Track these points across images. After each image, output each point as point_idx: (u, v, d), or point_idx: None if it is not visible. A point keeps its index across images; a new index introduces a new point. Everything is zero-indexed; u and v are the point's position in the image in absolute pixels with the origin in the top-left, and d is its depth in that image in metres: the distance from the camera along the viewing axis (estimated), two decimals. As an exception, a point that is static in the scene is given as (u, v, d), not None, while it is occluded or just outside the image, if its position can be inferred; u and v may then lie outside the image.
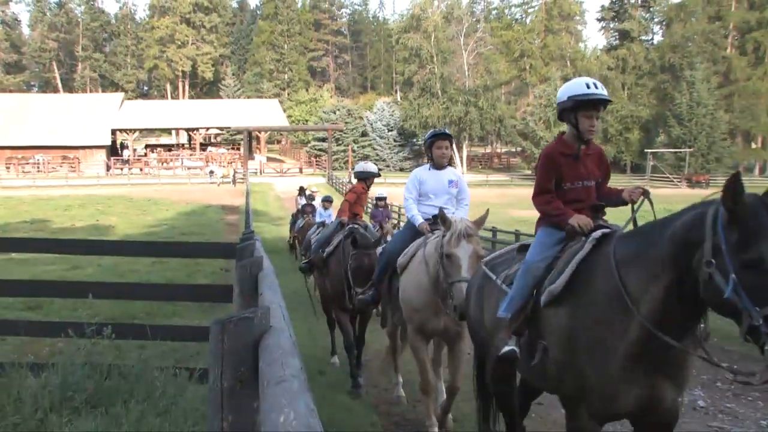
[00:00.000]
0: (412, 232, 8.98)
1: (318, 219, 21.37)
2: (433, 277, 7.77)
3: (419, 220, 8.89)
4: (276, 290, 4.60)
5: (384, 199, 22.74)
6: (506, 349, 5.78)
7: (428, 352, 8.56)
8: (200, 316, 10.10)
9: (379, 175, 13.70)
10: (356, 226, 11.60)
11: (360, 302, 9.79)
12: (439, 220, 7.71)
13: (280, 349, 2.48)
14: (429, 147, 9.39)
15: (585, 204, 6.14)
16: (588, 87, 6.00)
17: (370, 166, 13.17)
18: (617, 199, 6.28)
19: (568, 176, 6.18)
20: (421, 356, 8.29)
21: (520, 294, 5.82)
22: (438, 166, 9.26)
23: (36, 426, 6.30)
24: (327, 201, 22.38)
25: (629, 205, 6.07)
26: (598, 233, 5.51)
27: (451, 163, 9.60)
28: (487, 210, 8.40)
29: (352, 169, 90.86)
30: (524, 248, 6.42)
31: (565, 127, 6.34)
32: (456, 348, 8.33)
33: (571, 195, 6.16)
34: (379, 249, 11.06)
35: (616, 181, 73.36)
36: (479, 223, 7.89)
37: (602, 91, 6.06)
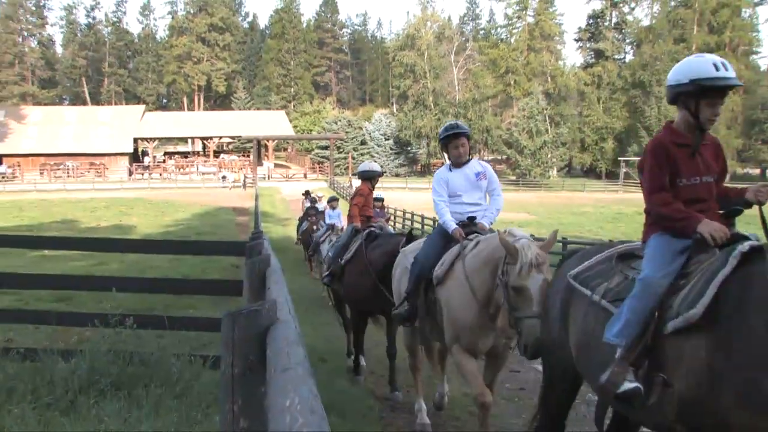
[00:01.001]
0: (444, 238, 7.56)
1: (327, 221, 20.57)
2: (483, 299, 6.57)
3: (452, 225, 7.46)
4: (282, 285, 4.59)
5: (381, 200, 21.17)
6: (629, 386, 4.41)
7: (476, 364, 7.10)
8: (213, 309, 10.08)
9: (382, 174, 12.47)
10: (372, 228, 10.56)
11: (395, 318, 8.14)
12: (503, 245, 6.10)
13: (285, 339, 2.48)
14: (444, 146, 8.16)
15: (708, 204, 4.87)
16: (717, 69, 4.72)
17: (374, 166, 11.93)
18: (737, 199, 4.94)
19: (685, 171, 4.89)
20: (471, 368, 6.90)
21: (639, 317, 4.49)
22: (458, 163, 7.96)
23: (66, 406, 6.33)
24: (333, 200, 21.60)
25: (752, 209, 4.71)
26: (745, 246, 4.18)
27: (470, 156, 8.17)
28: (555, 231, 6.86)
29: (353, 174, 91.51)
30: (625, 257, 5.20)
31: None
32: (497, 364, 7.25)
33: (689, 193, 4.85)
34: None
35: (592, 187, 72.92)
36: (548, 246, 6.34)
37: (732, 73, 4.76)
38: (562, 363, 5.47)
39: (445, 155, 8.36)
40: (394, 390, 9.28)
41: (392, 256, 8.95)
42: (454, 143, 7.96)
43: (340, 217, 20.24)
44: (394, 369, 9.45)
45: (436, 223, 9.02)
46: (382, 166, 78.10)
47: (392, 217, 33.77)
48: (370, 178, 11.64)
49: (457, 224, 7.58)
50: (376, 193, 23.27)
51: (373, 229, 10.55)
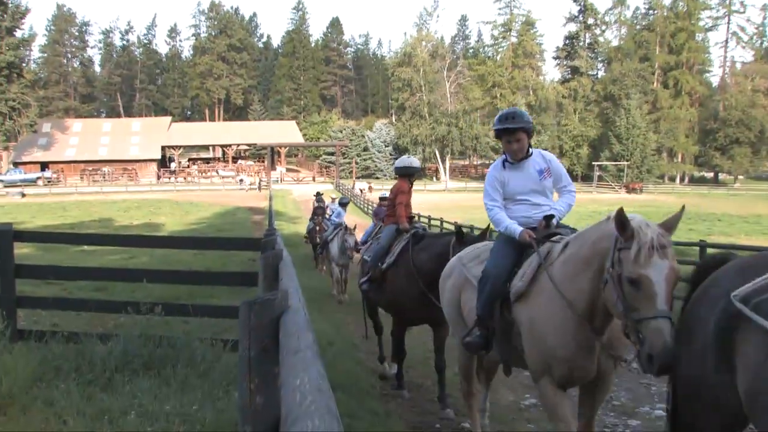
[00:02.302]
0: (515, 245, 5.59)
1: (336, 219, 19.16)
2: (584, 310, 4.65)
3: (517, 227, 5.56)
4: (293, 277, 4.59)
5: (386, 199, 19.63)
6: None
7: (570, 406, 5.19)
8: (232, 298, 10.07)
9: (420, 170, 10.30)
10: (417, 228, 8.80)
11: (467, 347, 5.82)
12: (614, 224, 4.22)
13: (296, 325, 2.48)
14: (497, 136, 5.94)
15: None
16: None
17: (413, 161, 9.86)
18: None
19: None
20: (564, 411, 5.02)
21: None
22: (514, 160, 5.80)
23: (105, 383, 6.41)
24: (344, 204, 20.03)
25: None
26: None
27: (528, 150, 5.85)
28: (682, 207, 4.72)
29: (357, 177, 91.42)
30: None
31: None
32: (598, 394, 5.18)
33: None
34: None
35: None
36: (671, 226, 4.39)
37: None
38: (713, 403, 3.84)
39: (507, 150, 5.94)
40: (445, 407, 7.56)
41: (441, 260, 7.17)
42: (507, 138, 5.81)
43: (341, 216, 19.22)
44: (444, 384, 7.67)
45: (486, 229, 7.72)
46: (382, 170, 77.06)
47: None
48: (408, 174, 9.66)
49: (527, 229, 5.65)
50: (382, 192, 21.46)
51: (417, 229, 8.78)
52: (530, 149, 5.82)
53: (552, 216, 5.72)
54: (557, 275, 4.90)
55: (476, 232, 27.96)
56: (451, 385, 7.83)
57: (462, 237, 7.53)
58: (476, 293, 5.68)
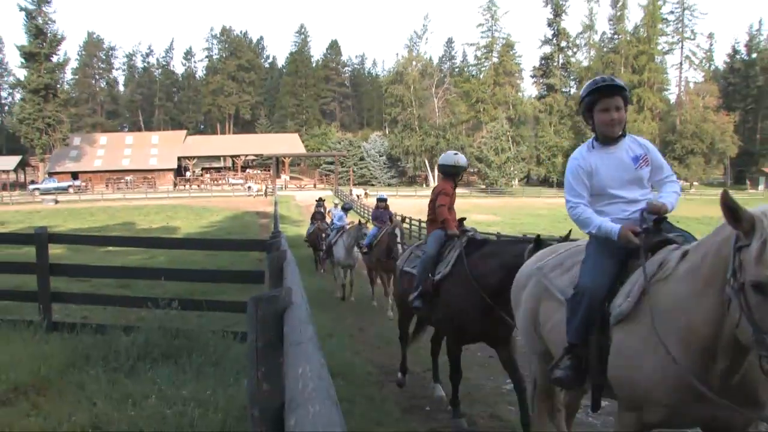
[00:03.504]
0: (614, 251, 3.99)
1: (338, 223, 17.67)
2: (699, 349, 3.18)
3: (614, 226, 3.97)
4: (296, 275, 4.61)
5: (385, 200, 17.30)
6: None
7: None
8: (241, 294, 10.06)
9: (467, 169, 8.15)
10: (468, 232, 7.11)
11: (558, 383, 4.26)
12: (724, 213, 2.88)
13: (298, 319, 2.50)
14: (588, 109, 4.24)
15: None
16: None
17: (460, 158, 7.74)
18: None
19: None
20: None
21: None
22: (607, 139, 4.21)
23: (128, 370, 6.46)
24: (346, 209, 18.93)
25: None
26: None
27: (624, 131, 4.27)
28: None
29: (354, 184, 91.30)
30: None
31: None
32: None
33: None
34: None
35: (546, 194, 72.51)
36: None
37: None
38: None
39: (590, 123, 4.34)
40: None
41: (512, 271, 5.41)
42: (605, 104, 4.11)
43: (342, 220, 17.85)
44: (526, 405, 5.74)
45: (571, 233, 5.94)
46: (377, 177, 75.91)
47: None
48: (454, 174, 7.72)
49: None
50: (381, 193, 19.66)
51: (470, 232, 7.10)
52: (623, 132, 4.26)
53: (661, 219, 4.01)
54: (667, 296, 3.40)
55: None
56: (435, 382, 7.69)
57: (541, 246, 5.66)
58: (560, 309, 4.24)
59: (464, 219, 7.49)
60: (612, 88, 4.09)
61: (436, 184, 8.05)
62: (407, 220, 33.11)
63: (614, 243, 3.97)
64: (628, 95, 4.23)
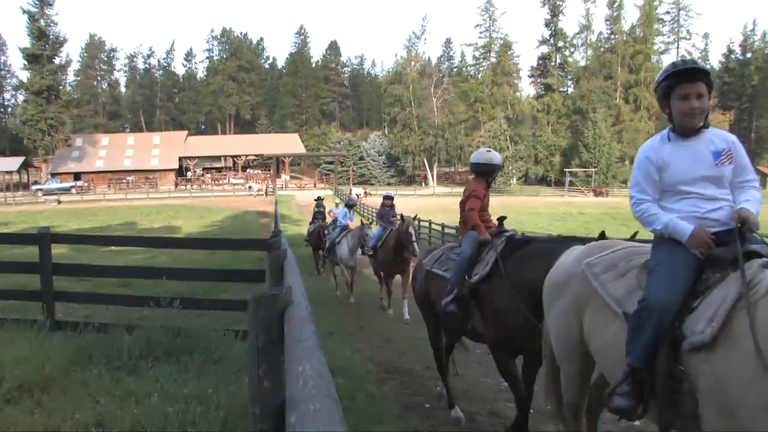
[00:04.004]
0: (687, 259, 3.42)
1: (342, 221, 16.74)
2: None
3: (686, 226, 3.47)
4: (296, 274, 4.61)
5: (391, 198, 16.22)
6: None
7: None
8: (242, 293, 10.06)
9: (501, 168, 7.27)
10: (509, 232, 6.31)
11: (616, 411, 3.51)
12: None
13: (299, 317, 2.50)
14: (664, 95, 3.65)
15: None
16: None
17: (494, 156, 6.97)
18: None
19: None
20: None
21: None
22: (686, 130, 3.64)
23: (131, 368, 6.47)
24: (350, 206, 17.48)
25: None
26: None
27: (697, 121, 3.62)
28: None
29: (354, 183, 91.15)
30: None
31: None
32: None
33: None
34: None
35: (544, 192, 72.57)
36: None
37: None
38: None
39: (667, 113, 3.73)
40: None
41: None
42: (684, 89, 3.55)
43: (347, 217, 16.85)
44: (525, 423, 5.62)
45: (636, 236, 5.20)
46: (376, 176, 75.22)
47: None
48: (487, 173, 7.00)
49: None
50: (387, 191, 18.37)
51: (508, 232, 6.30)
52: (705, 123, 3.67)
53: (746, 226, 3.35)
54: (764, 319, 2.80)
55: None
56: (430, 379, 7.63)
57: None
58: (613, 322, 3.63)
59: (504, 218, 6.59)
60: (693, 72, 3.53)
61: (468, 183, 7.14)
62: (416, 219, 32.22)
63: (683, 253, 3.39)
64: (712, 81, 3.64)
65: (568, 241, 5.41)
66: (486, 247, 6.21)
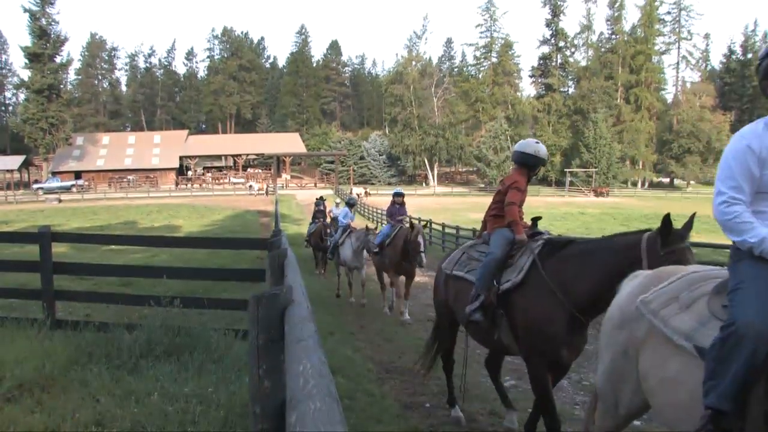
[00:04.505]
0: None
1: (343, 220, 16.11)
2: None
3: None
4: (297, 273, 4.61)
5: (402, 195, 15.19)
6: None
7: None
8: (242, 292, 10.06)
9: (545, 163, 6.47)
10: (542, 234, 5.77)
11: None
12: None
13: (299, 316, 2.50)
14: (766, 76, 3.12)
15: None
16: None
17: (540, 148, 6.24)
18: None
19: None
20: None
21: None
22: None
23: (131, 367, 6.47)
24: (351, 205, 16.91)
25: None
26: None
27: None
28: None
29: (354, 183, 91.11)
30: None
31: None
32: None
33: None
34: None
35: (545, 192, 72.62)
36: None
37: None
38: None
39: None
40: None
41: (616, 270, 4.41)
42: None
43: (348, 216, 16.26)
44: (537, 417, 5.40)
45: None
46: (377, 176, 74.97)
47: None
48: (531, 165, 6.25)
49: None
50: (397, 188, 17.67)
51: (545, 235, 5.76)
52: None
53: None
54: None
55: (461, 232, 23.74)
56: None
57: (669, 232, 4.35)
58: (676, 356, 3.15)
59: (539, 218, 6.04)
60: None
61: (509, 174, 6.33)
62: (427, 225, 31.67)
63: None
64: None
65: (610, 239, 5.05)
66: (518, 250, 5.60)
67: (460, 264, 6.29)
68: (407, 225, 14.02)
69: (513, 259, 5.55)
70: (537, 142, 6.31)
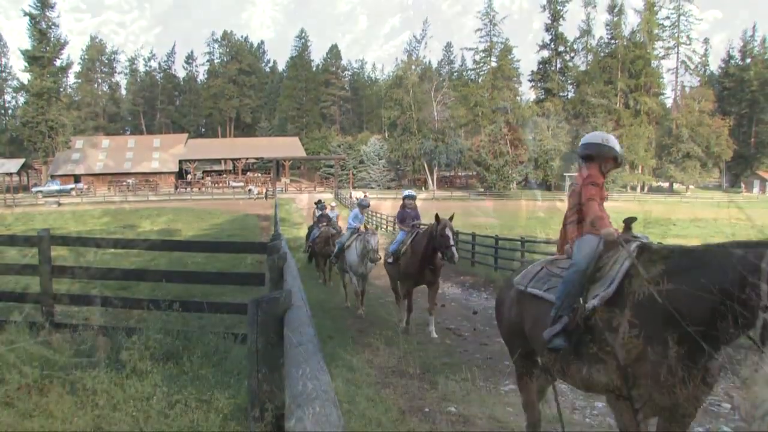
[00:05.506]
0: None
1: (353, 223, 15.04)
2: None
3: None
4: (296, 277, 4.62)
5: (414, 198, 14.16)
6: None
7: None
8: (241, 296, 10.05)
9: (616, 154, 5.37)
10: (638, 238, 4.69)
11: None
12: None
13: (299, 320, 2.50)
14: None
15: None
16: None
17: (612, 139, 5.37)
18: None
19: None
20: None
21: None
22: None
23: (130, 371, 6.42)
24: (363, 207, 15.84)
25: None
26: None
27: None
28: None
29: (353, 187, 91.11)
30: None
31: None
32: None
33: None
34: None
35: (544, 197, 72.49)
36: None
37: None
38: None
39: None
40: None
41: (737, 288, 3.63)
42: None
43: (358, 219, 15.28)
44: None
45: None
46: (376, 180, 74.91)
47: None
48: (603, 156, 5.33)
49: None
50: (408, 191, 15.52)
51: (641, 238, 4.70)
52: None
53: None
54: None
55: (461, 236, 23.30)
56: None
57: None
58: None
59: (634, 219, 5.01)
60: None
61: (580, 172, 5.47)
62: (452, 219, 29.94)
63: None
64: None
65: (726, 248, 3.95)
66: (610, 257, 4.68)
67: (539, 280, 5.28)
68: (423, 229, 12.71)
69: (601, 270, 4.63)
70: (608, 135, 5.50)
